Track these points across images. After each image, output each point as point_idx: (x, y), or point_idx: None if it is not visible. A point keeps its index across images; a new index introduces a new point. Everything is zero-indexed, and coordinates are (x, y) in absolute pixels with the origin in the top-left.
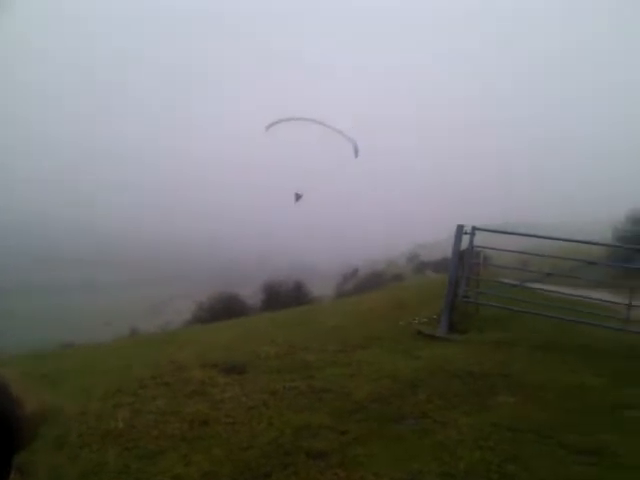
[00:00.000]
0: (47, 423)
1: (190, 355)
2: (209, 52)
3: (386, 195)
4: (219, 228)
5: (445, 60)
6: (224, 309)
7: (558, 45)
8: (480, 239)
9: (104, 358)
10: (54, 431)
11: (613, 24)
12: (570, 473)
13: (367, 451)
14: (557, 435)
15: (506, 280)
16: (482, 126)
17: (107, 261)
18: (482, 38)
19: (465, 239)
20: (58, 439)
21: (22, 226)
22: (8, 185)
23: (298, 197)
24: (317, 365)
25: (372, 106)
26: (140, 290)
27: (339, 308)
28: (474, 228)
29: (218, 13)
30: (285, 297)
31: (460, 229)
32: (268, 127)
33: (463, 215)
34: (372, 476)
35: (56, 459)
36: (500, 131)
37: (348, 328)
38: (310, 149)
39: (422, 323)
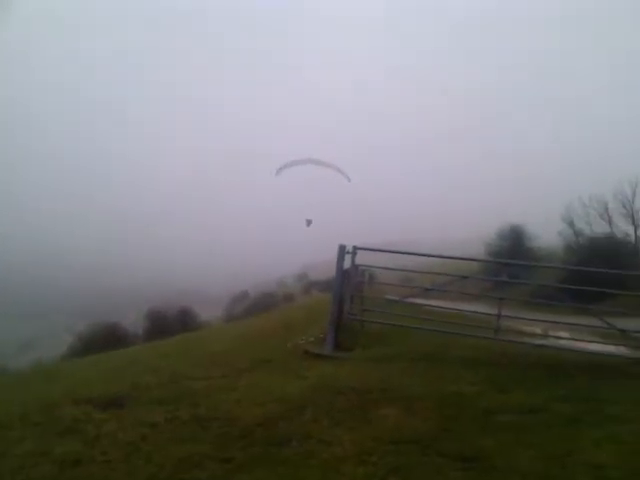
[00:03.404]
0: None
1: (62, 391)
2: (196, 68)
3: (274, 216)
4: (99, 254)
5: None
6: (104, 340)
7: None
8: (366, 258)
9: None
10: None
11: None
12: None
13: (252, 477)
14: (436, 444)
15: (390, 297)
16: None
17: None
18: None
19: (349, 258)
20: None
21: None
22: None
23: (309, 223)
24: (202, 393)
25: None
26: (9, 325)
27: (226, 332)
28: (355, 247)
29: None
30: (171, 324)
31: (342, 249)
32: (279, 171)
33: (348, 235)
34: None
35: None
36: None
37: (235, 352)
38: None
39: (309, 343)
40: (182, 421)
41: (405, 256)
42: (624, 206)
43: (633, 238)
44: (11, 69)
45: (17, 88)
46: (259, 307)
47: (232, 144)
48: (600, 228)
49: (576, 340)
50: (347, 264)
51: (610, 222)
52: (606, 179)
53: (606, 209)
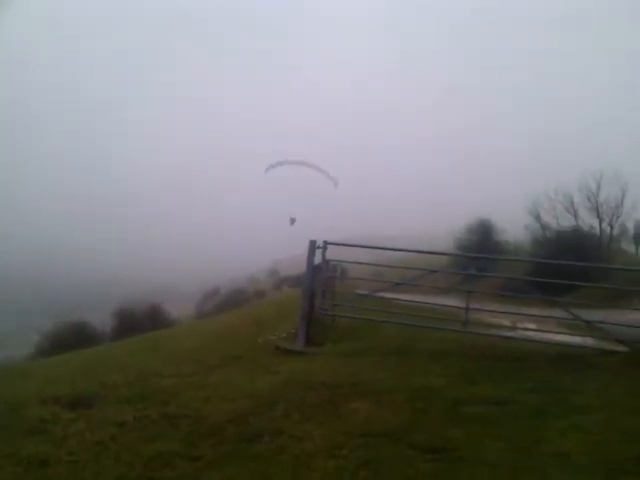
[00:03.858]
0: None
1: (29, 391)
2: (195, 68)
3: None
4: (66, 251)
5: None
6: (72, 339)
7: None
8: (338, 253)
9: None
10: None
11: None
12: (418, 472)
13: (222, 475)
14: (406, 436)
15: (361, 291)
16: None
17: None
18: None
19: (319, 253)
20: None
21: None
22: None
23: (292, 221)
24: (171, 391)
25: None
26: None
27: (197, 329)
28: (326, 242)
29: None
30: (140, 322)
31: (313, 244)
32: (268, 169)
33: (320, 229)
34: None
35: None
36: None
37: (205, 349)
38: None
39: (280, 338)
40: (151, 419)
41: (377, 251)
42: (589, 199)
43: (598, 231)
44: (11, 69)
45: (17, 88)
46: (230, 303)
47: (229, 143)
48: (566, 221)
49: (543, 332)
50: (318, 259)
51: (576, 215)
52: (572, 173)
53: (572, 202)
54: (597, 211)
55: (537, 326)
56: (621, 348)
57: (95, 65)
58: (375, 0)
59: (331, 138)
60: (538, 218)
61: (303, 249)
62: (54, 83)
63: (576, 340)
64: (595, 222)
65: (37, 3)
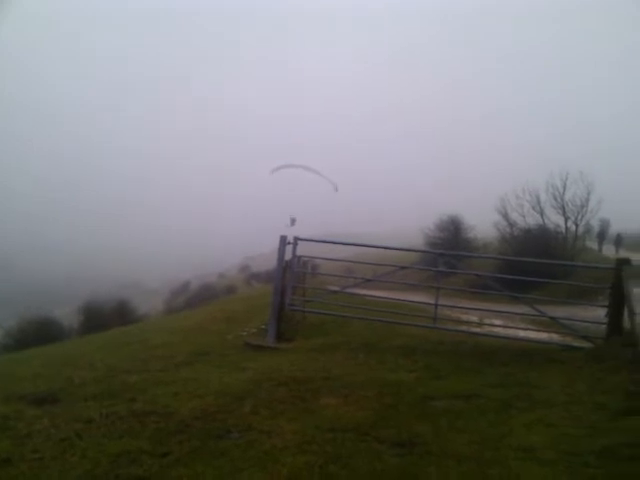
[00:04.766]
0: None
1: None
2: (195, 65)
3: (217, 208)
4: (30, 245)
5: None
6: (37, 334)
7: None
8: (309, 249)
9: None
10: None
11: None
12: (386, 466)
13: (190, 471)
14: (374, 431)
15: (332, 287)
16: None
17: None
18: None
19: (290, 249)
20: None
21: None
22: None
23: (293, 221)
24: (139, 387)
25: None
26: None
27: (166, 325)
28: (296, 238)
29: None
30: (107, 318)
31: (283, 240)
32: (273, 171)
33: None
34: None
35: None
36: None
37: (174, 345)
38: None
39: (251, 334)
40: (118, 416)
41: (348, 247)
42: (555, 198)
43: (563, 229)
44: (10, 69)
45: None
46: (199, 299)
47: (226, 137)
48: (533, 220)
49: (510, 328)
50: (289, 255)
51: (542, 214)
52: (541, 173)
53: (538, 201)
54: (563, 210)
55: (504, 322)
56: (585, 344)
57: (95, 65)
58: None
59: (309, 134)
60: (506, 216)
61: (274, 245)
62: (54, 83)
63: (541, 336)
64: (561, 220)
65: (38, 2)
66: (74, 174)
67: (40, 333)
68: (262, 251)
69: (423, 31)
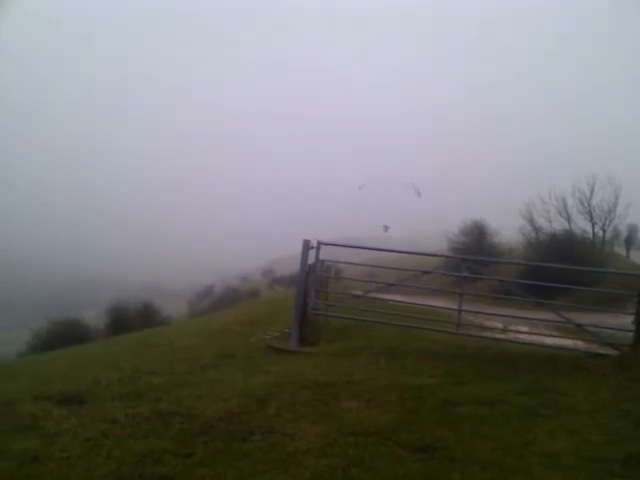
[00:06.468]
0: None
1: (21, 388)
2: (196, 65)
3: (241, 212)
4: (62, 249)
5: None
6: (64, 336)
7: None
8: (332, 253)
9: None
10: None
11: None
12: (408, 471)
13: (213, 472)
14: (396, 435)
15: (355, 292)
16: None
17: None
18: None
19: (313, 253)
20: None
21: None
22: None
23: (386, 228)
24: (164, 388)
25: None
26: None
27: (190, 327)
28: (319, 242)
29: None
30: (133, 320)
31: (306, 244)
32: (361, 187)
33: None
34: None
35: None
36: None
37: (198, 347)
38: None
39: (274, 338)
40: (143, 417)
41: (371, 252)
42: (582, 203)
43: (590, 235)
44: (10, 69)
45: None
46: (223, 302)
47: (231, 141)
48: (559, 225)
49: (535, 334)
50: (312, 259)
51: (569, 219)
52: (566, 177)
53: (565, 206)
54: (590, 215)
55: (528, 329)
56: (611, 351)
57: (95, 65)
58: None
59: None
60: (531, 221)
61: (298, 249)
62: (53, 81)
63: (567, 343)
64: (588, 226)
65: (38, 2)
66: (72, 174)
67: (67, 335)
68: (285, 255)
69: (435, 30)
